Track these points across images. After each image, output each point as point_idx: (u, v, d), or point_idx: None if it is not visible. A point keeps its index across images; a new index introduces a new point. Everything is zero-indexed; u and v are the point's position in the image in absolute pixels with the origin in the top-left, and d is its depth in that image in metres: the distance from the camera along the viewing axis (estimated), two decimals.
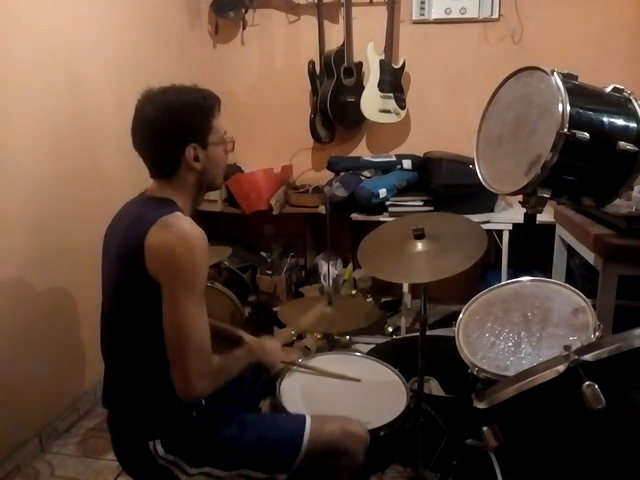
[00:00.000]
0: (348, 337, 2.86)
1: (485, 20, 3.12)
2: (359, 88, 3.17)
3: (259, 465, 1.28)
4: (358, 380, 1.62)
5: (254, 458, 1.28)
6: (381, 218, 2.89)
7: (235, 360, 1.34)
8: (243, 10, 3.26)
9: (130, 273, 1.21)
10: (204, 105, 1.28)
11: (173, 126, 1.25)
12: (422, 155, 3.13)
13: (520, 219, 1.88)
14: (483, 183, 1.74)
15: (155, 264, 1.17)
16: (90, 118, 2.38)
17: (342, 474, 1.34)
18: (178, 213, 1.23)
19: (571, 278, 2.55)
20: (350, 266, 3.28)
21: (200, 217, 1.33)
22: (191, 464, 1.26)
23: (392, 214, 2.88)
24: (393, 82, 3.16)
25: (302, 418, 1.33)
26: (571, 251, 2.34)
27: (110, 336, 1.32)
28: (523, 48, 3.10)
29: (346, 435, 1.31)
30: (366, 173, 3.06)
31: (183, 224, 1.20)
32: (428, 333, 1.72)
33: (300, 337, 2.83)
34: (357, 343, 2.86)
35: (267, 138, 3.45)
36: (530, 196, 1.61)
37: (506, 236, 2.82)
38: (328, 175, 3.18)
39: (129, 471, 1.34)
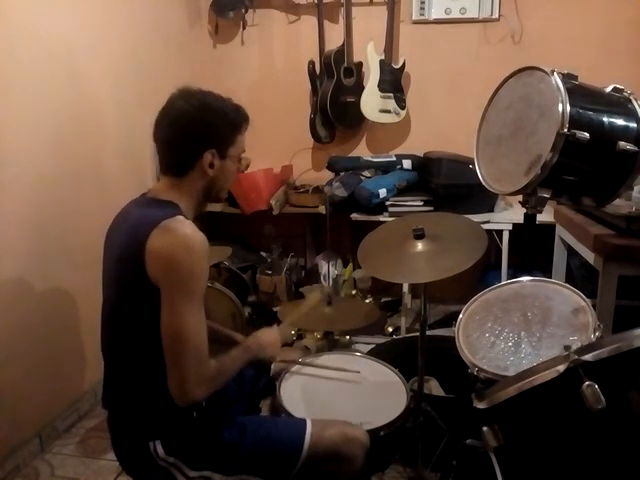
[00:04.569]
0: (348, 337, 2.86)
1: (485, 20, 3.12)
2: (359, 88, 3.17)
3: (259, 470, 1.28)
4: (357, 372, 1.62)
5: (254, 463, 1.27)
6: (381, 218, 2.89)
7: (232, 360, 1.32)
8: (243, 10, 3.26)
9: (130, 275, 1.20)
10: (235, 117, 1.30)
11: (201, 125, 1.25)
12: (422, 155, 3.13)
13: (520, 219, 1.88)
14: (483, 183, 1.74)
15: (155, 268, 1.17)
16: (90, 118, 2.38)
17: (342, 479, 1.33)
18: (180, 217, 1.22)
19: (571, 278, 2.55)
20: (350, 266, 3.28)
21: (200, 217, 1.33)
22: (191, 467, 1.25)
23: (392, 214, 2.88)
24: (393, 82, 3.16)
25: (303, 422, 1.33)
26: (571, 251, 2.34)
27: (110, 337, 1.31)
28: (523, 48, 3.10)
29: (346, 440, 1.30)
30: (366, 173, 3.06)
31: (185, 228, 1.19)
32: (428, 333, 1.72)
33: (300, 337, 2.83)
34: (357, 343, 2.86)
35: (267, 138, 3.42)
36: (530, 196, 1.61)
37: (506, 236, 2.82)
38: (328, 175, 3.17)
39: (129, 472, 1.34)
